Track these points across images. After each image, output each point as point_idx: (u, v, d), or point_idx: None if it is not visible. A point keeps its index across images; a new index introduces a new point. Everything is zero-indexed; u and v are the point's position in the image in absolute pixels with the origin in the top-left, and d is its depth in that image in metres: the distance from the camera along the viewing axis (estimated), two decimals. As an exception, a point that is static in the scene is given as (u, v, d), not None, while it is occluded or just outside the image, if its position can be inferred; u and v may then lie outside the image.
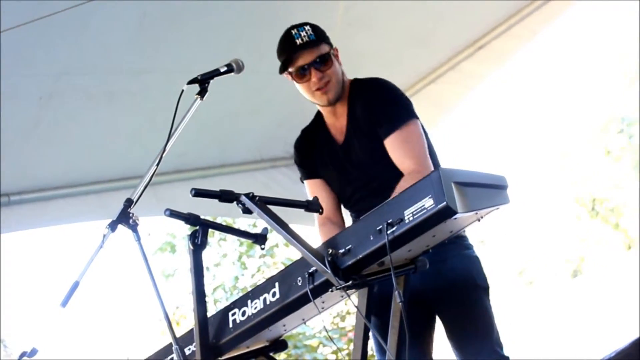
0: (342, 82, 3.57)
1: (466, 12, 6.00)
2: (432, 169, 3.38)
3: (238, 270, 12.42)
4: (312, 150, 3.74)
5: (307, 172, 3.77)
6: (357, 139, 3.57)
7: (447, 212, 2.49)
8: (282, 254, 12.35)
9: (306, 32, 3.49)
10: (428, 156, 3.48)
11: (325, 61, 3.50)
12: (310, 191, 3.75)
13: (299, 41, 3.47)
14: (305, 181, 3.79)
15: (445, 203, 2.46)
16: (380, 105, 3.51)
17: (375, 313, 3.12)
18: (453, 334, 3.53)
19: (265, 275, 12.57)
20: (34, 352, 2.88)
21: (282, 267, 12.50)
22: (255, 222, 10.44)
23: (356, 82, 3.64)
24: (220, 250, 12.47)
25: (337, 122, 3.65)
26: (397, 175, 3.42)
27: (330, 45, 3.57)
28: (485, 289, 3.55)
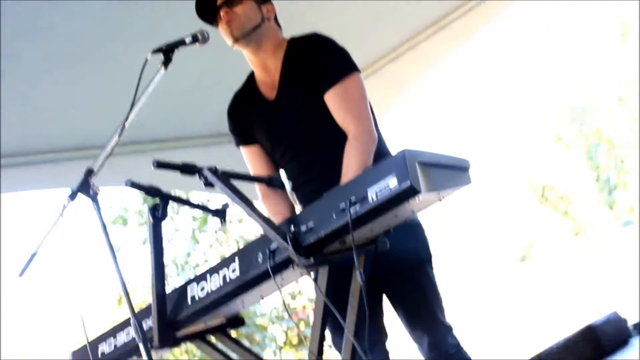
0: (258, 27, 3.49)
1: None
2: (374, 131, 3.38)
3: (191, 245, 12.39)
4: (244, 114, 3.67)
5: (242, 138, 3.70)
6: (290, 94, 3.50)
7: (410, 192, 2.48)
8: (235, 230, 12.35)
9: None
10: (370, 115, 3.43)
11: (232, 1, 3.48)
12: (247, 158, 3.70)
13: None
14: (241, 147, 3.73)
15: (409, 182, 2.45)
16: (319, 58, 3.45)
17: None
18: (401, 310, 3.53)
19: (218, 251, 12.55)
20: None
21: (235, 244, 12.52)
22: (209, 198, 10.39)
23: (293, 39, 3.60)
24: (172, 224, 12.41)
25: (269, 78, 3.58)
26: (330, 133, 3.39)
27: None
28: (429, 259, 3.54)
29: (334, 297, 2.82)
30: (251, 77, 3.67)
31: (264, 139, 3.62)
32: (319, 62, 3.44)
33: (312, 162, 3.50)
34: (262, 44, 3.52)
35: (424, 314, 3.49)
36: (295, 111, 3.49)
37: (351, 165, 3.24)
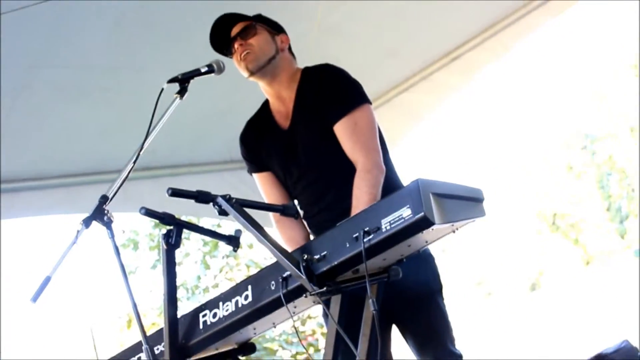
0: (273, 59, 3.53)
1: (441, 24, 6.03)
2: (382, 164, 3.40)
3: (201, 269, 12.38)
4: (258, 141, 3.69)
5: (255, 165, 3.72)
6: (303, 124, 3.52)
7: (424, 223, 2.49)
8: (245, 255, 12.34)
9: (231, 16, 3.59)
10: (378, 147, 3.44)
11: (246, 32, 3.54)
12: (260, 185, 3.71)
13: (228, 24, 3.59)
14: (254, 175, 3.74)
15: (423, 214, 2.46)
16: (330, 89, 3.48)
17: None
18: (412, 339, 3.53)
19: (227, 276, 12.54)
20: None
21: (245, 269, 12.49)
22: (219, 223, 10.39)
23: (307, 69, 3.63)
24: (183, 249, 12.42)
25: (283, 108, 3.60)
26: (342, 163, 3.40)
27: (262, 23, 3.61)
28: (439, 290, 3.54)
29: (345, 325, 2.83)
30: (266, 106, 3.70)
31: (277, 167, 3.64)
32: (330, 93, 3.47)
33: (325, 192, 3.51)
34: (277, 76, 3.56)
35: (435, 344, 3.49)
36: (308, 141, 3.51)
37: (360, 198, 3.26)
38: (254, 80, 3.57)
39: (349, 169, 3.39)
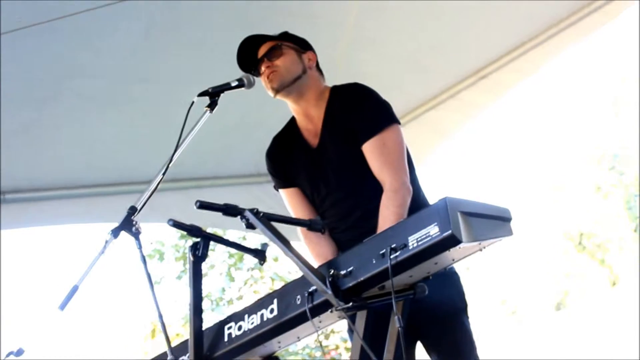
0: (299, 79, 3.54)
1: (470, 42, 6.03)
2: (409, 184, 3.41)
3: (225, 281, 12.41)
4: (285, 157, 3.69)
5: (282, 180, 3.72)
6: (332, 142, 3.53)
7: (451, 241, 2.49)
8: (270, 268, 12.36)
9: (257, 37, 3.61)
10: (406, 167, 3.45)
11: (272, 52, 3.55)
12: (287, 200, 3.72)
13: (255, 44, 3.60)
14: (280, 190, 3.74)
15: (450, 232, 2.46)
16: (360, 108, 3.49)
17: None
18: (436, 357, 3.52)
19: (252, 288, 12.56)
20: (20, 352, 2.88)
21: (270, 281, 12.52)
22: (245, 235, 10.43)
23: (335, 87, 3.64)
24: (208, 260, 12.45)
25: (311, 126, 3.61)
26: (369, 183, 3.42)
27: (289, 41, 3.62)
28: (464, 309, 3.53)
29: (370, 340, 2.82)
30: (292, 123, 3.71)
31: (305, 183, 3.65)
32: (359, 112, 3.49)
33: (352, 210, 3.52)
34: (304, 94, 3.57)
35: None
36: (337, 160, 3.52)
37: (387, 217, 3.28)
38: (280, 98, 3.58)
39: (375, 189, 3.40)
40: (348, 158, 3.49)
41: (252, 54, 3.60)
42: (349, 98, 3.54)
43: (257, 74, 3.58)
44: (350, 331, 3.54)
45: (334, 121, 3.54)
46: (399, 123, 3.52)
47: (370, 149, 3.44)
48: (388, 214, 3.29)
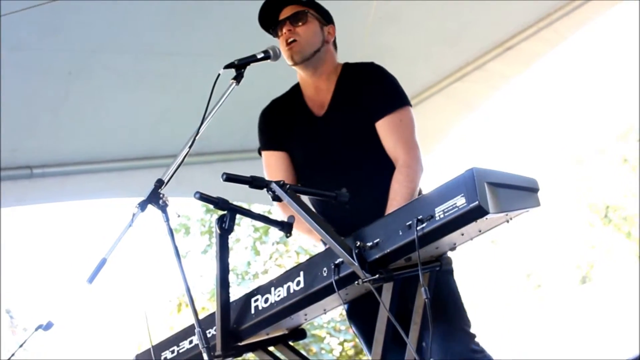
0: (318, 52, 3.53)
1: (496, 13, 5.98)
2: (422, 161, 3.44)
3: (251, 255, 12.45)
4: (282, 120, 3.67)
5: (270, 141, 3.68)
6: (340, 113, 3.53)
7: (478, 212, 2.48)
8: (295, 242, 12.39)
9: None
10: (419, 146, 3.48)
11: (297, 18, 3.52)
12: (268, 162, 3.68)
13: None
14: (264, 152, 3.70)
15: (477, 202, 2.46)
16: (378, 87, 3.52)
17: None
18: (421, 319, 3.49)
19: (277, 262, 12.60)
20: (49, 325, 2.90)
21: (295, 255, 12.55)
22: (270, 209, 10.45)
23: (348, 64, 3.65)
24: (233, 234, 12.50)
25: (318, 97, 3.61)
26: (371, 157, 3.47)
27: (314, 10, 3.58)
28: (450, 271, 3.50)
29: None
30: (297, 90, 3.69)
31: (299, 150, 3.63)
32: (376, 89, 3.52)
33: (350, 182, 3.43)
34: (319, 68, 3.57)
35: (444, 325, 3.38)
36: (342, 130, 3.53)
37: (398, 191, 3.30)
38: (296, 68, 3.58)
39: (376, 165, 3.47)
40: (353, 132, 3.52)
41: (276, 13, 3.57)
42: (366, 75, 3.57)
43: (276, 34, 3.57)
44: (351, 318, 3.59)
45: (345, 94, 3.55)
46: (411, 105, 3.56)
47: (385, 125, 3.47)
48: (399, 188, 3.32)
